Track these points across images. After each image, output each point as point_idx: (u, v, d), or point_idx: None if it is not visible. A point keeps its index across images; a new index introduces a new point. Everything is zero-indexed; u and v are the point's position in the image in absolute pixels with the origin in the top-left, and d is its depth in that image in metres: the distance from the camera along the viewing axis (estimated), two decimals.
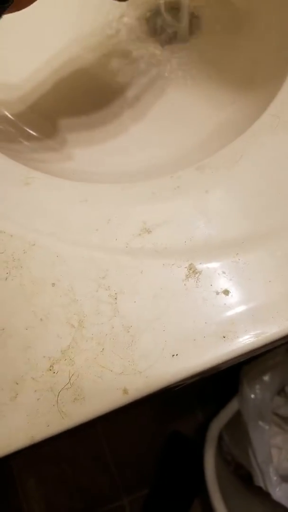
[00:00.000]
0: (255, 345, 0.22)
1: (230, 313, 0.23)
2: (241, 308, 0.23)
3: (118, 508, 0.91)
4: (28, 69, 0.34)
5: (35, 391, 0.23)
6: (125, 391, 0.22)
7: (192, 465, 0.88)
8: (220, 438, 0.81)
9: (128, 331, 0.23)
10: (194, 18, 0.41)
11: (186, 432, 0.94)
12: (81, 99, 0.36)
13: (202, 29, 0.40)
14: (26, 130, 0.33)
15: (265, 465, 0.70)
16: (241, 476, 0.79)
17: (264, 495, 0.70)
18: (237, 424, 0.76)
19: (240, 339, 0.22)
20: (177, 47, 0.39)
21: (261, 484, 0.70)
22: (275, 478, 0.70)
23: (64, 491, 0.92)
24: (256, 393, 0.71)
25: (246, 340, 0.22)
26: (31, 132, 0.33)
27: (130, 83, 0.37)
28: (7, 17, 0.23)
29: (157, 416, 0.95)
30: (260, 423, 0.70)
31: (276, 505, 0.69)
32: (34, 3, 0.24)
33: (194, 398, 0.96)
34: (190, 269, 0.24)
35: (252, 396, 0.71)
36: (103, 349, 0.23)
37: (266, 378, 0.71)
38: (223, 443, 0.80)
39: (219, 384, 0.90)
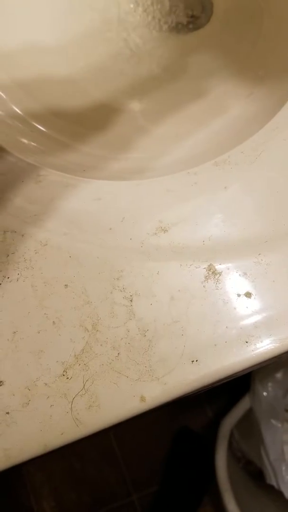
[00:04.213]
0: (280, 351, 0.21)
1: (252, 316, 0.22)
2: (264, 312, 0.22)
3: (128, 504, 0.90)
4: (35, 62, 0.33)
5: (48, 397, 0.22)
6: (142, 399, 0.21)
7: (201, 461, 0.88)
8: (230, 435, 0.80)
9: (145, 335, 0.22)
10: (208, 4, 0.39)
11: (195, 428, 0.93)
12: (90, 91, 0.34)
13: (217, 16, 0.38)
14: (35, 125, 0.31)
15: (277, 464, 0.69)
16: (251, 473, 0.79)
17: (275, 492, 0.69)
18: (248, 421, 0.75)
19: (264, 344, 0.21)
20: (190, 35, 0.38)
21: (273, 483, 0.69)
22: (287, 476, 0.69)
23: (72, 486, 0.92)
24: (268, 390, 0.70)
25: (270, 345, 0.21)
26: (39, 127, 0.32)
27: (140, 73, 0.35)
28: None
29: (165, 411, 0.94)
30: (273, 421, 0.69)
31: None
32: None
33: (203, 393, 0.96)
34: (209, 270, 0.23)
35: (265, 393, 0.70)
36: (118, 353, 0.22)
37: (278, 375, 0.70)
38: (233, 439, 0.79)
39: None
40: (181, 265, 0.24)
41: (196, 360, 0.21)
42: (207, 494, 0.88)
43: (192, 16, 0.39)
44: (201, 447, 0.89)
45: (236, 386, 0.81)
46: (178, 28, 0.39)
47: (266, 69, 0.35)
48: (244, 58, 0.37)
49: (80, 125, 0.33)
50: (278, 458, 0.69)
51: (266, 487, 0.70)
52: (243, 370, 0.22)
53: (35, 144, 0.31)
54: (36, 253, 0.25)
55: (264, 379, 0.70)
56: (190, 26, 0.39)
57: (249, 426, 0.73)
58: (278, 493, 0.68)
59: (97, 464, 0.93)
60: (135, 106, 0.35)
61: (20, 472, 0.93)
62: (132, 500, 0.91)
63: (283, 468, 0.69)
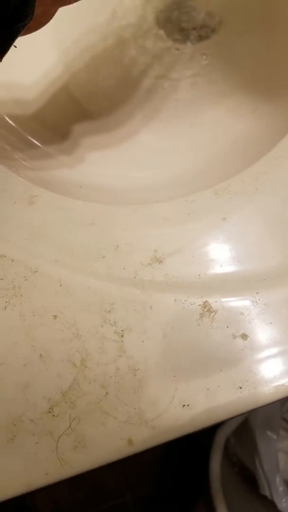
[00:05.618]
0: (274, 398, 0.20)
1: (248, 360, 0.21)
2: (260, 356, 0.21)
3: (121, 504, 0.90)
4: (32, 76, 0.32)
5: (33, 434, 0.21)
6: (130, 442, 0.20)
7: (196, 465, 0.87)
8: (226, 440, 0.79)
9: (135, 374, 0.21)
10: (213, 16, 0.38)
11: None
12: (89, 108, 0.33)
13: (223, 28, 0.37)
14: (31, 140, 0.30)
15: (271, 475, 0.69)
16: (245, 477, 0.78)
17: (268, 501, 0.69)
18: (245, 429, 0.74)
19: (258, 391, 0.20)
20: (195, 46, 0.36)
21: (267, 494, 0.69)
22: (281, 488, 0.68)
23: (67, 485, 0.92)
24: None
25: (265, 392, 0.20)
26: (36, 142, 0.30)
27: (140, 90, 0.34)
28: None
29: None
30: (268, 432, 0.69)
31: None
32: None
33: None
34: (204, 307, 0.22)
35: None
36: (107, 393, 0.21)
37: None
38: (229, 444, 0.79)
39: None
40: (175, 300, 0.23)
41: (188, 405, 0.21)
42: (200, 498, 0.88)
43: (197, 27, 0.38)
44: (197, 451, 0.89)
45: None
46: (183, 39, 0.37)
47: (272, 84, 0.34)
48: (250, 72, 0.35)
49: (76, 140, 0.31)
50: (272, 469, 0.68)
51: (260, 494, 0.70)
52: (237, 416, 0.21)
53: (30, 161, 0.30)
54: (25, 280, 0.24)
55: None
56: (195, 37, 0.37)
57: (246, 433, 0.73)
58: (272, 502, 0.68)
59: None
60: (135, 122, 0.33)
61: None
62: (127, 501, 0.91)
63: (277, 479, 0.68)
